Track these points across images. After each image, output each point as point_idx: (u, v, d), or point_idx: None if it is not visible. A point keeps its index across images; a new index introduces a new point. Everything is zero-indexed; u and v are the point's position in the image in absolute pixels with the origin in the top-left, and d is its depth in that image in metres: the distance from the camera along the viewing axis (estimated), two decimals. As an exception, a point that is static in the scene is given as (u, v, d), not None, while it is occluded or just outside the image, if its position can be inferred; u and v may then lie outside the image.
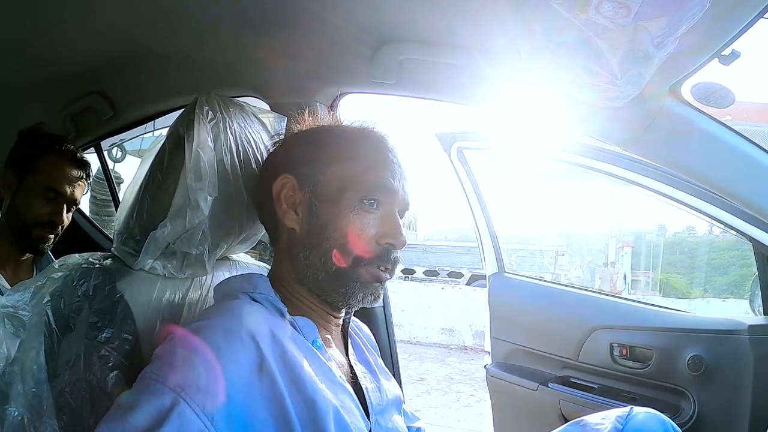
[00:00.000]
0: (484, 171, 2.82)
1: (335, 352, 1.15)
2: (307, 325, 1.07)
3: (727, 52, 1.20)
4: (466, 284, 14.80)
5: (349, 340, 1.25)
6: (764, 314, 2.06)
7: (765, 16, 1.08)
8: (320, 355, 1.04)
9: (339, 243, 1.06)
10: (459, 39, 1.44)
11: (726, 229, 2.01)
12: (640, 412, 1.26)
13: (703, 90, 1.36)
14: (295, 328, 1.05)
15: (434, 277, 17.26)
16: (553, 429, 1.35)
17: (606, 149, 2.20)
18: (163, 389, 0.83)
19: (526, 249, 17.34)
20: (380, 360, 1.35)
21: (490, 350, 2.69)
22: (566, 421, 2.19)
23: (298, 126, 1.23)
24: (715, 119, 1.43)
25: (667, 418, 1.25)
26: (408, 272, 17.38)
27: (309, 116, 1.23)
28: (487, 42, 1.41)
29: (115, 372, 1.06)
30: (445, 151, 2.74)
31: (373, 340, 1.42)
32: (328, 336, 1.16)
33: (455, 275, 17.13)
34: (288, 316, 1.06)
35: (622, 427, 1.24)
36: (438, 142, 2.76)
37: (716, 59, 1.23)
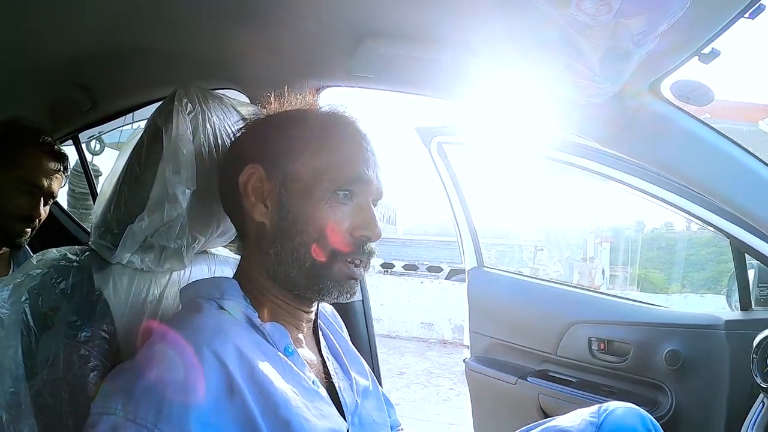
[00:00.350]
0: (464, 166, 2.83)
1: (307, 353, 1.12)
2: (277, 332, 1.03)
3: (707, 50, 1.21)
4: (445, 278, 14.82)
5: (320, 333, 1.23)
6: (741, 310, 2.09)
7: (745, 15, 1.09)
8: (292, 363, 1.01)
9: (312, 237, 1.02)
10: (441, 34, 1.43)
11: (704, 225, 2.04)
12: (619, 406, 1.28)
13: (682, 88, 1.37)
14: (265, 337, 1.01)
15: (414, 272, 17.26)
16: (532, 422, 1.37)
17: (585, 145, 2.21)
18: (135, 426, 0.80)
19: (506, 244, 17.46)
20: (349, 342, 1.33)
21: (469, 344, 2.71)
22: (545, 414, 2.23)
23: (265, 111, 1.18)
24: (693, 117, 1.45)
25: (645, 412, 1.27)
26: (387, 266, 17.37)
27: (276, 101, 1.18)
28: (470, 37, 1.41)
29: (95, 372, 1.03)
30: (425, 146, 2.74)
31: (338, 317, 1.39)
32: (300, 336, 1.13)
33: (435, 269, 17.16)
34: (258, 323, 1.02)
35: (600, 422, 1.25)
36: (418, 137, 2.76)
37: (696, 57, 1.23)
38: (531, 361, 2.48)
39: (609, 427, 1.23)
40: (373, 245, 1.08)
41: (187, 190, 1.12)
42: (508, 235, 18.15)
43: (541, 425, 1.33)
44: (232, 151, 1.16)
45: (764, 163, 1.49)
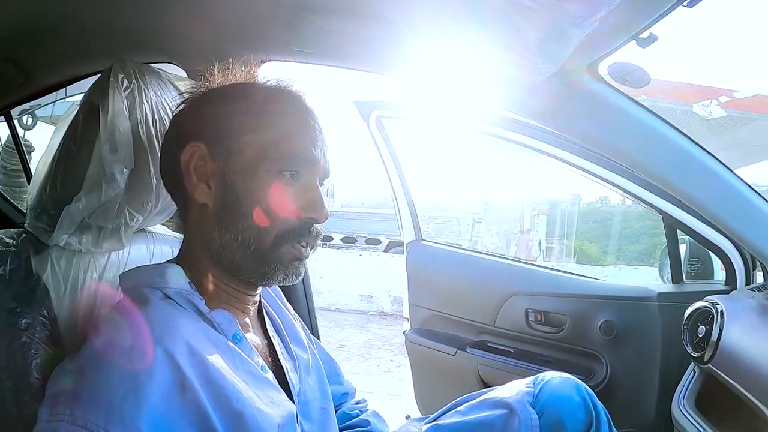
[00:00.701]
0: (402, 139, 2.84)
1: (254, 337, 1.11)
2: (225, 320, 1.00)
3: (645, 35, 1.23)
4: (384, 251, 14.87)
5: (265, 313, 1.20)
6: (673, 282, 2.19)
7: (684, 4, 1.12)
8: (241, 350, 0.99)
9: (257, 220, 0.98)
10: (381, 9, 1.42)
11: (637, 202, 2.11)
12: (555, 376, 1.33)
13: (619, 69, 1.40)
14: (213, 325, 0.98)
15: (352, 244, 17.23)
16: (472, 392, 1.40)
17: (521, 121, 2.24)
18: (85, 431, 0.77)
19: (444, 216, 17.55)
20: (289, 315, 1.30)
21: (408, 317, 2.74)
22: (485, 384, 2.28)
23: (208, 84, 1.11)
24: (628, 96, 1.48)
25: (580, 381, 1.32)
26: (326, 239, 17.22)
27: (219, 74, 1.11)
28: (410, 14, 1.40)
29: (38, 360, 1.00)
30: (364, 120, 2.73)
31: (278, 289, 1.34)
32: (247, 320, 1.11)
33: (373, 242, 17.17)
34: (205, 311, 0.99)
35: (536, 391, 1.30)
36: (357, 110, 2.75)
37: (634, 41, 1.26)
38: (470, 333, 2.53)
39: (545, 397, 1.28)
40: (319, 227, 1.05)
41: (125, 170, 1.09)
42: (447, 207, 18.26)
43: (479, 396, 1.37)
44: (173, 128, 1.10)
45: (693, 141, 1.54)
